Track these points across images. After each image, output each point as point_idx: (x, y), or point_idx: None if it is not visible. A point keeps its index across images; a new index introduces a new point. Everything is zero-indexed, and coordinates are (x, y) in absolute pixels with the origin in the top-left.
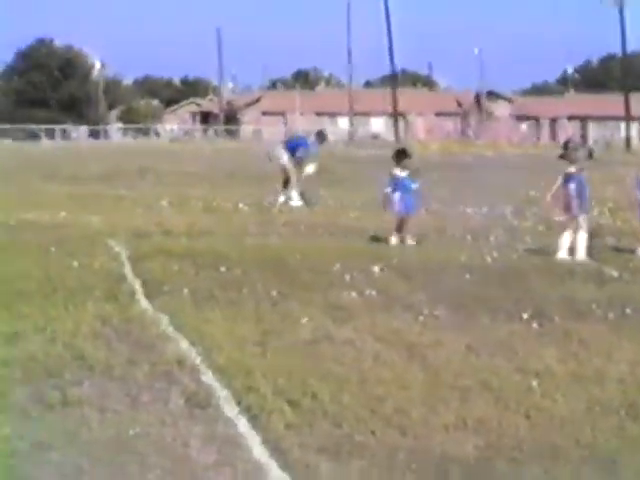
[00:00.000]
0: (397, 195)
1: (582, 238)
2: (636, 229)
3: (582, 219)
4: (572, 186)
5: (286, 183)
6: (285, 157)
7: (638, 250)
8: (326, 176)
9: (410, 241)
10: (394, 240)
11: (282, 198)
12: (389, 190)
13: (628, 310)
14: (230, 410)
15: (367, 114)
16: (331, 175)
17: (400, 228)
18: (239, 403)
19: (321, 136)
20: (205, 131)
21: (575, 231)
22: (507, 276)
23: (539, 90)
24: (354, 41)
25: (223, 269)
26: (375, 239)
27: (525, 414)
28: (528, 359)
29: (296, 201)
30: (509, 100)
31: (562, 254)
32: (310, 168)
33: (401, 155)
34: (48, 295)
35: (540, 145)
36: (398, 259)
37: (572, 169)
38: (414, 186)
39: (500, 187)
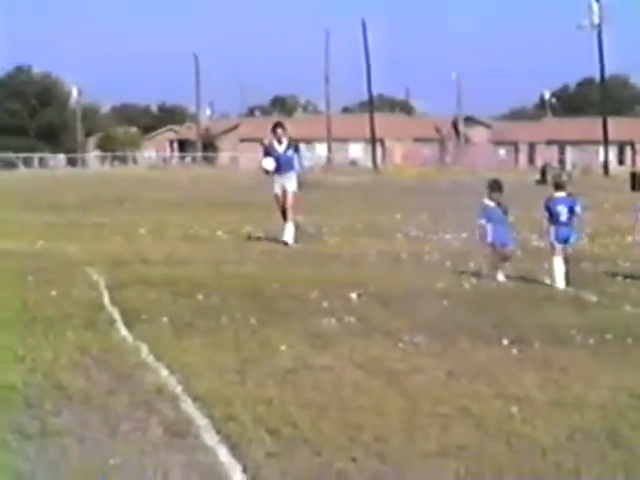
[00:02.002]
0: (490, 226)
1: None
2: (613, 254)
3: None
4: (564, 211)
5: (285, 213)
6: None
7: None
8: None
9: (501, 277)
10: (500, 277)
11: (290, 228)
12: (483, 222)
13: (608, 336)
14: (210, 439)
15: (345, 140)
16: (309, 201)
17: (501, 262)
18: (219, 432)
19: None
20: (183, 158)
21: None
22: (486, 302)
23: (517, 115)
24: (332, 67)
25: (201, 297)
26: (476, 275)
27: (506, 440)
28: (508, 385)
29: (290, 237)
30: (487, 125)
31: (560, 283)
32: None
33: (494, 187)
34: (27, 324)
35: (518, 170)
36: (376, 286)
37: (562, 194)
38: (509, 218)
39: None
